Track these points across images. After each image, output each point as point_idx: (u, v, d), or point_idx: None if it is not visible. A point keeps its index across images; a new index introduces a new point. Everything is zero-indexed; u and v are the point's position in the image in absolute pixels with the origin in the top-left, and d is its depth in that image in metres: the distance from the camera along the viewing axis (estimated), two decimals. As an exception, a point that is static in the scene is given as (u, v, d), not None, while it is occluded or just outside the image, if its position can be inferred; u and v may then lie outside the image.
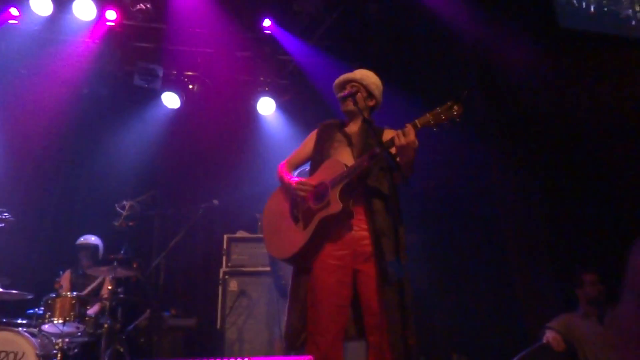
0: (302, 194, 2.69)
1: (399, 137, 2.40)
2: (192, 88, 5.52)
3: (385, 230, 2.51)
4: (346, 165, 2.62)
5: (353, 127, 2.83)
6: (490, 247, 4.58)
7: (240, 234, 4.87)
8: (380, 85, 2.90)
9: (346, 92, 2.75)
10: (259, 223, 4.93)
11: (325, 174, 2.67)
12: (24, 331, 3.90)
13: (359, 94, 2.75)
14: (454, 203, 4.78)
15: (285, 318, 2.69)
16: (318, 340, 2.50)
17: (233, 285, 4.59)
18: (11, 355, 3.77)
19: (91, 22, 4.93)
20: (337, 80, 2.91)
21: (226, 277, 4.63)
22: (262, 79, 5.50)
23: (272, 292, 4.50)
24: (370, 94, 2.84)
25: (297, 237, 2.66)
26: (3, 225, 4.21)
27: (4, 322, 4.05)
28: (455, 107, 2.33)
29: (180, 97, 5.53)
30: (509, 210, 4.52)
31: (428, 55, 5.02)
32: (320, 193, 2.65)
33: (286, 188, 2.82)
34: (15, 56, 5.19)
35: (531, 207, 4.44)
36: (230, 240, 4.78)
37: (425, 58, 5.03)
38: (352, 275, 2.59)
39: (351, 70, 2.92)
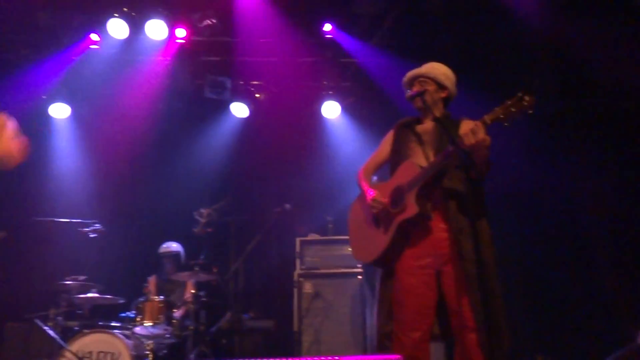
0: (374, 211, 2.74)
1: (468, 136, 2.36)
2: (259, 97, 5.69)
3: (464, 229, 2.47)
4: (420, 167, 2.61)
5: (428, 124, 2.79)
6: (576, 244, 4.36)
7: (312, 236, 4.96)
8: (451, 74, 2.85)
9: (413, 91, 2.73)
10: (329, 226, 5.01)
11: (401, 177, 2.68)
12: (119, 333, 4.19)
13: (427, 91, 2.72)
14: (534, 200, 4.60)
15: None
16: (404, 341, 2.54)
17: (308, 287, 4.68)
18: (109, 356, 4.07)
19: (163, 41, 5.19)
20: (405, 78, 2.90)
21: (300, 279, 4.72)
22: (325, 83, 5.55)
23: (354, 293, 4.54)
24: (440, 86, 2.79)
25: (378, 242, 2.70)
26: (96, 235, 4.57)
27: (101, 324, 4.38)
28: (526, 98, 2.24)
29: (249, 106, 5.71)
30: (594, 206, 4.28)
31: (496, 45, 4.86)
32: (397, 197, 2.66)
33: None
34: (98, 79, 5.58)
35: (617, 203, 4.18)
36: (302, 243, 4.87)
37: (494, 49, 4.87)
38: (436, 277, 2.59)
39: (416, 67, 2.89)
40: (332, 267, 4.73)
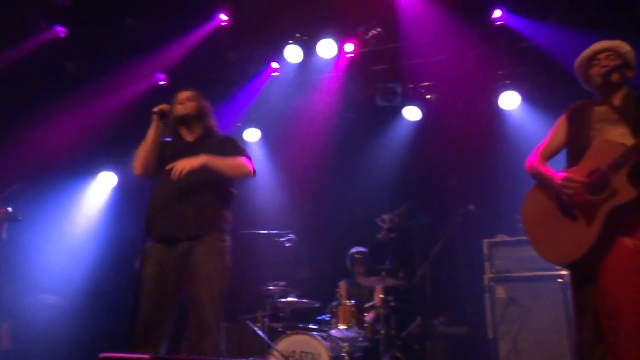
0: (569, 191, 2.38)
1: None
2: (431, 97, 5.60)
3: None
4: (624, 145, 2.27)
5: (614, 103, 2.47)
6: None
7: (501, 237, 4.66)
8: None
9: (611, 64, 2.45)
10: (520, 225, 4.64)
11: (597, 159, 2.34)
12: (317, 335, 4.48)
13: (623, 64, 2.47)
14: None
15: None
16: (622, 355, 2.17)
17: (500, 292, 4.40)
18: (309, 356, 4.38)
19: (333, 58, 5.49)
20: (585, 53, 2.59)
21: (492, 283, 4.47)
22: (500, 72, 5.21)
23: (555, 299, 4.15)
24: (627, 64, 2.51)
25: (580, 237, 2.34)
26: (290, 244, 4.99)
27: (301, 327, 4.74)
28: None
29: (421, 108, 5.66)
30: None
31: None
32: (597, 182, 2.33)
33: (546, 183, 2.57)
34: (280, 101, 6.14)
35: None
36: (490, 245, 4.61)
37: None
38: None
39: (602, 40, 2.58)
40: (527, 269, 4.38)
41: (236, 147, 3.02)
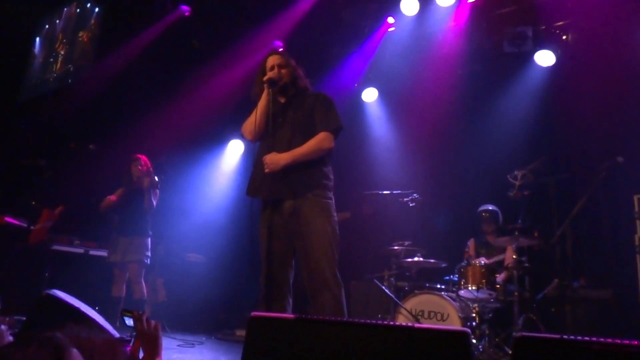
0: None
1: None
2: (566, 39, 5.01)
3: None
4: None
5: None
6: None
7: (655, 192, 4.12)
8: None
9: None
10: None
11: None
12: (446, 295, 4.41)
13: None
14: None
15: None
16: None
17: (655, 253, 3.93)
18: (438, 315, 4.34)
19: (453, 5, 5.12)
20: None
21: (644, 244, 4.00)
22: (656, 1, 4.47)
23: None
24: None
25: None
26: (414, 204, 4.91)
27: (429, 286, 4.69)
28: None
29: (555, 52, 5.10)
30: None
31: None
32: None
33: None
34: (398, 57, 5.92)
35: None
36: (642, 201, 4.10)
37: None
38: None
39: None
40: (690, 228, 3.84)
41: (325, 115, 2.96)
